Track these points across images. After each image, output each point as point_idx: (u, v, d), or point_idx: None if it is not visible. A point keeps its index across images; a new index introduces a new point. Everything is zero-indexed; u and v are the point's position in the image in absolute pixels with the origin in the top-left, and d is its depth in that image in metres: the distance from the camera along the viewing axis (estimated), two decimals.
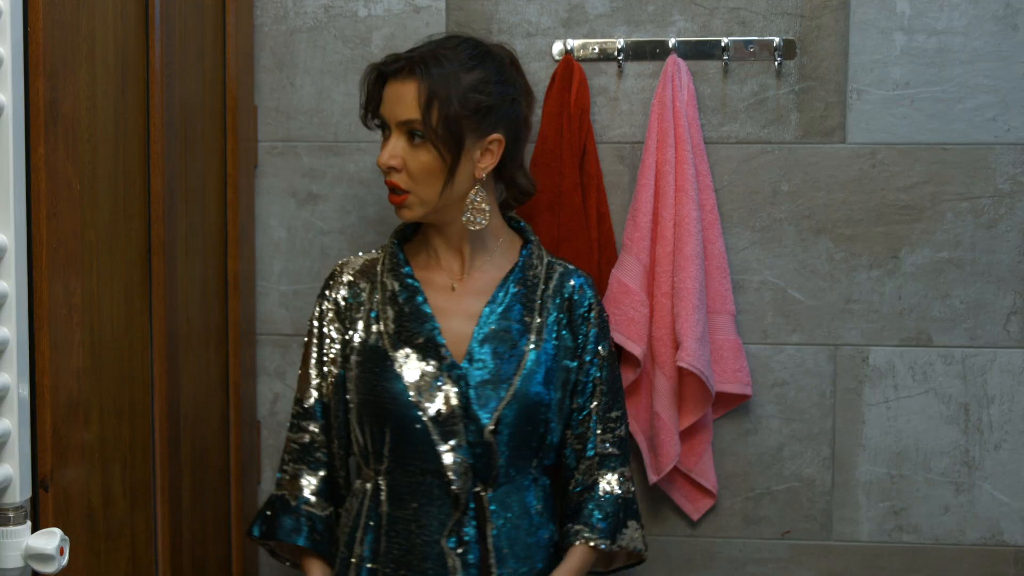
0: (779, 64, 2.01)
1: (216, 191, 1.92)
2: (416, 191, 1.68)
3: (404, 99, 1.65)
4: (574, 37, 2.04)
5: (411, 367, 1.68)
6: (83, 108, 1.36)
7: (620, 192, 2.05)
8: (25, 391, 1.21)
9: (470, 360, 1.69)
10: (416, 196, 1.68)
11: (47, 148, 1.25)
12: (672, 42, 2.01)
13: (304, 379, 1.79)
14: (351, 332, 1.75)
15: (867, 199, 2.03)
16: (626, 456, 1.81)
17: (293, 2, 2.08)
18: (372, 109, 1.72)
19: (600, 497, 1.76)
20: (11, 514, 1.20)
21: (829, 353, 2.06)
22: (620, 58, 2.03)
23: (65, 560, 1.22)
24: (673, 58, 1.99)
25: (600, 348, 1.78)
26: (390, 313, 1.72)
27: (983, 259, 2.03)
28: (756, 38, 2.02)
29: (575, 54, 2.03)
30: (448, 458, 1.66)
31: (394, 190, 1.69)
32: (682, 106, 1.97)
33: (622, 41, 2.03)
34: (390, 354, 1.70)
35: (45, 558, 1.19)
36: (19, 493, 1.20)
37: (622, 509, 1.77)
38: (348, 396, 1.74)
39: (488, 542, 1.68)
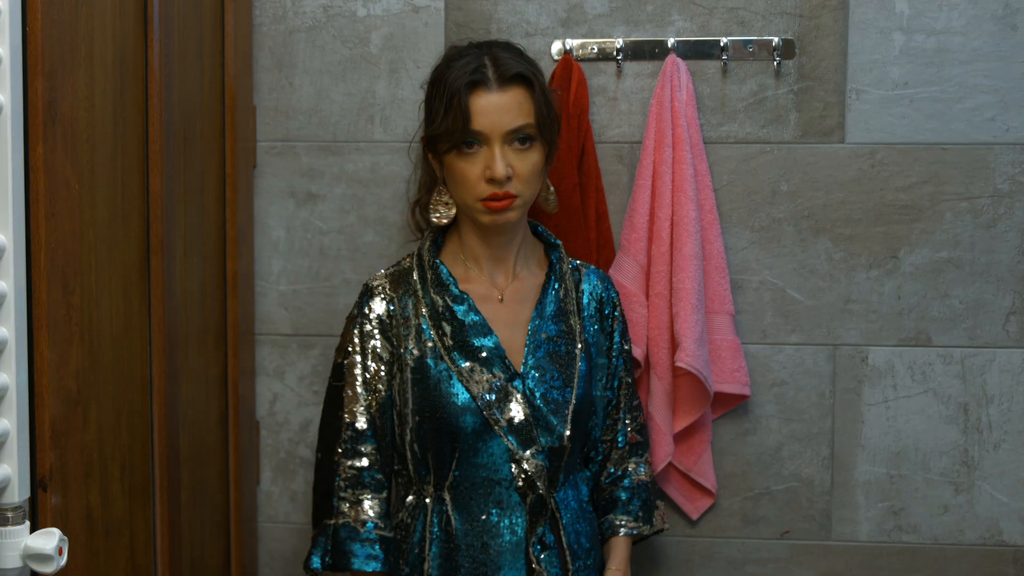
0: (778, 64, 2.01)
1: (215, 191, 1.91)
2: (523, 194, 1.68)
3: (510, 107, 1.65)
4: (573, 37, 2.04)
5: (477, 380, 1.68)
6: (82, 108, 1.36)
7: (619, 192, 2.05)
8: (24, 391, 1.20)
9: (527, 368, 1.71)
10: (522, 199, 1.69)
11: (46, 148, 1.25)
12: (671, 42, 2.01)
13: (353, 400, 1.72)
14: (401, 349, 1.72)
15: (866, 199, 2.03)
16: (648, 440, 1.90)
17: (292, 2, 2.08)
18: (465, 127, 1.64)
19: (634, 486, 1.84)
20: (10, 514, 1.20)
21: (828, 353, 2.06)
22: (619, 58, 2.03)
23: (64, 560, 1.22)
24: (672, 58, 1.99)
25: (624, 342, 1.85)
26: (447, 329, 1.71)
27: (982, 259, 2.03)
28: (755, 38, 2.02)
29: (574, 54, 2.03)
30: (528, 465, 1.67)
31: (503, 198, 1.66)
32: (681, 106, 1.97)
33: (621, 41, 2.03)
34: (453, 369, 1.69)
35: (44, 558, 1.19)
36: (18, 493, 1.20)
37: (651, 493, 1.87)
38: (405, 414, 1.71)
39: (563, 542, 1.71)
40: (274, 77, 2.09)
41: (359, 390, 1.72)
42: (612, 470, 1.85)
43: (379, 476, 1.73)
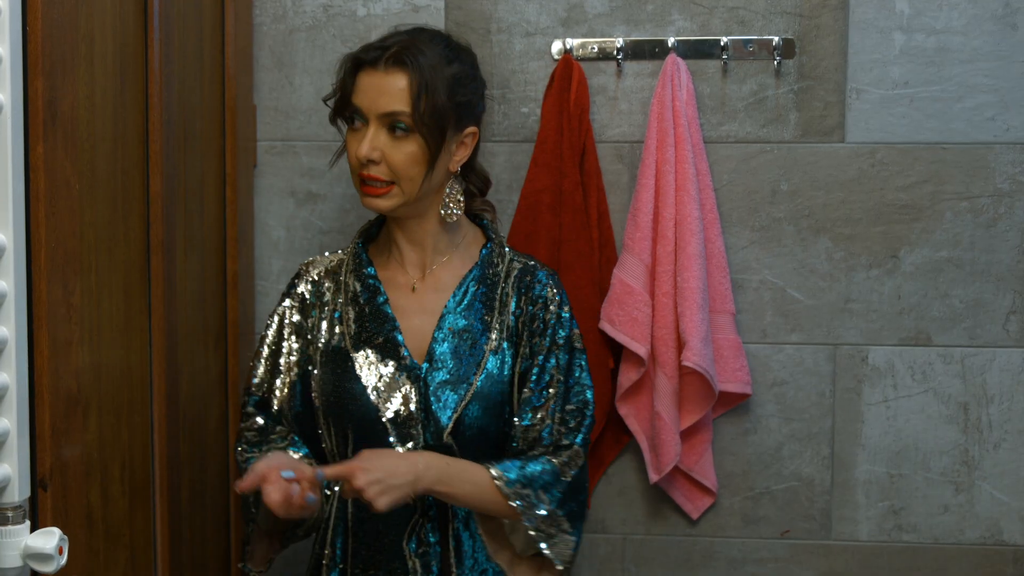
0: (778, 63, 2.01)
1: (215, 190, 1.91)
2: (401, 184, 1.64)
3: (388, 90, 1.62)
4: (573, 36, 2.04)
5: (371, 368, 1.67)
6: (82, 107, 1.36)
7: (619, 191, 2.05)
8: (24, 390, 1.20)
9: (430, 360, 1.67)
10: (400, 188, 1.64)
11: (46, 147, 1.25)
12: (671, 41, 2.01)
13: (253, 370, 1.75)
14: (315, 332, 1.73)
15: (866, 199, 2.03)
16: (579, 450, 1.69)
17: (292, 1, 2.08)
18: (345, 98, 1.66)
19: (530, 460, 1.66)
20: (10, 513, 1.20)
21: (828, 353, 2.06)
22: (619, 57, 2.03)
23: (64, 560, 1.22)
24: (672, 57, 1.99)
25: (557, 339, 1.70)
26: (351, 314, 1.71)
27: (982, 259, 2.03)
28: (755, 37, 2.02)
29: (574, 53, 2.03)
30: None
31: (373, 182, 1.64)
32: (681, 105, 1.97)
33: (621, 40, 2.03)
34: (351, 355, 1.68)
35: (44, 557, 1.19)
36: (18, 493, 1.20)
37: (550, 475, 1.65)
38: (314, 396, 1.72)
39: (450, 543, 1.67)
40: (274, 77, 2.09)
41: (262, 363, 1.75)
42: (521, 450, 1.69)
43: (279, 429, 1.73)
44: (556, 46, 2.04)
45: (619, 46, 2.02)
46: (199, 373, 1.84)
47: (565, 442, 1.68)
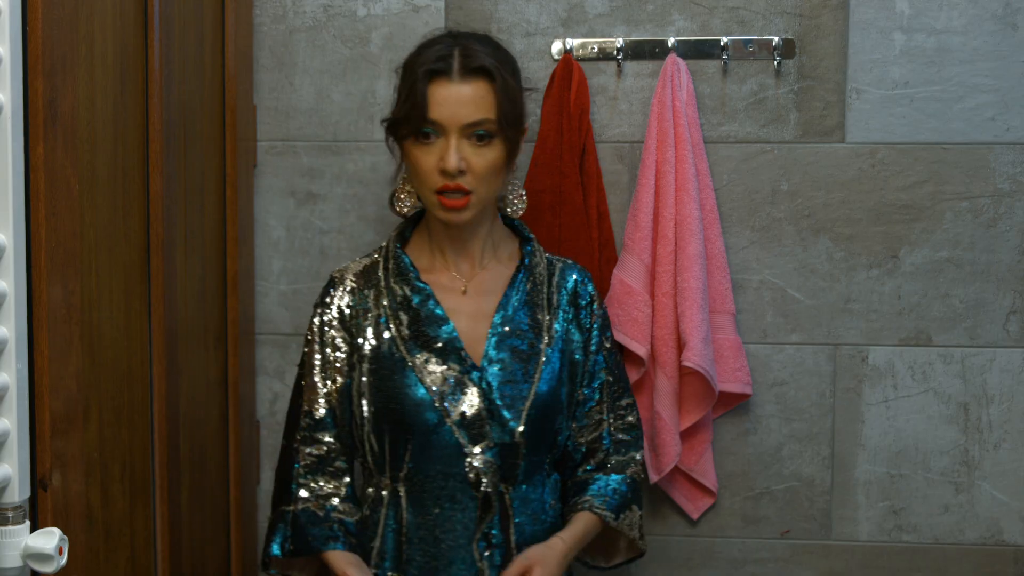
0: (778, 63, 2.01)
1: (215, 190, 1.91)
2: (479, 191, 1.64)
3: (470, 100, 1.61)
4: (573, 36, 2.04)
5: (431, 371, 1.66)
6: (82, 107, 1.36)
7: (619, 191, 2.05)
8: (24, 390, 1.20)
9: (488, 361, 1.68)
10: (477, 196, 1.64)
11: (46, 148, 1.25)
12: (671, 41, 2.01)
13: (311, 389, 1.72)
14: (360, 339, 1.71)
15: (866, 199, 2.03)
16: (638, 441, 1.81)
17: (292, 1, 2.08)
18: (421, 114, 1.62)
19: (610, 476, 1.76)
20: (10, 514, 1.20)
21: (829, 353, 2.06)
22: (619, 57, 2.03)
23: (64, 560, 1.22)
24: (672, 57, 1.99)
25: (604, 340, 1.78)
26: (403, 318, 1.70)
27: (982, 259, 2.03)
28: (755, 37, 2.02)
29: (574, 53, 2.03)
30: (477, 460, 1.65)
31: (455, 193, 1.62)
32: (681, 105, 1.97)
33: (621, 40, 2.03)
34: (408, 360, 1.67)
35: (44, 558, 1.19)
36: (18, 493, 1.20)
37: (631, 490, 1.77)
38: (362, 404, 1.70)
39: (511, 541, 1.68)
40: (274, 77, 2.09)
41: (316, 379, 1.72)
42: (591, 466, 1.78)
43: (339, 463, 1.73)
44: (556, 46, 2.04)
45: (619, 46, 2.02)
46: (199, 373, 1.84)
47: (625, 438, 1.79)
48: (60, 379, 1.30)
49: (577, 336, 1.76)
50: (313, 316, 1.75)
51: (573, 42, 2.03)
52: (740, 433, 2.09)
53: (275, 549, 1.70)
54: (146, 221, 1.59)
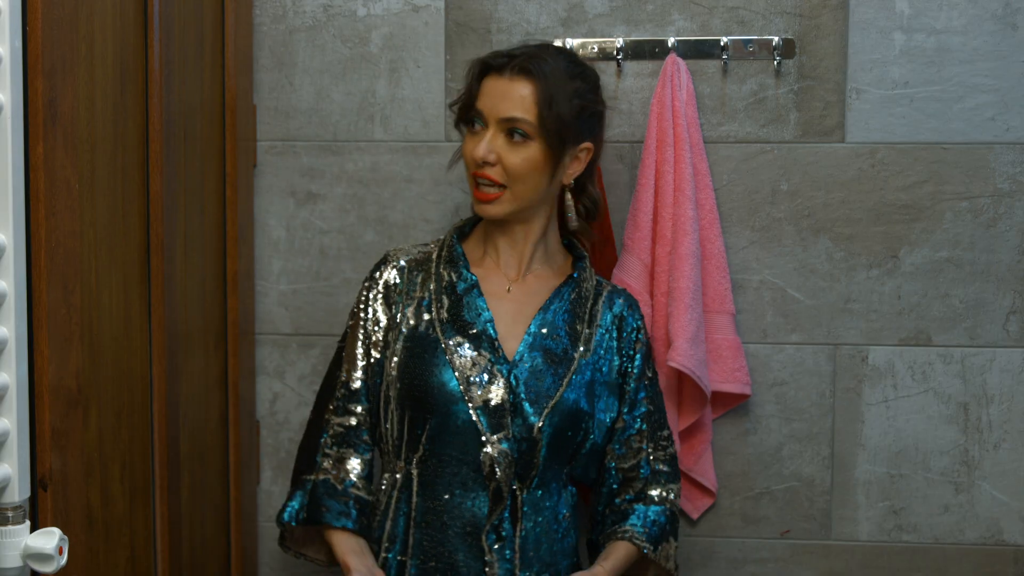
0: (778, 63, 2.01)
1: (215, 190, 1.91)
2: (513, 188, 1.69)
3: (512, 96, 1.67)
4: (573, 36, 2.04)
5: (463, 355, 1.69)
6: (82, 107, 1.36)
7: (619, 191, 2.05)
8: (24, 390, 1.20)
9: (520, 357, 1.70)
10: (511, 192, 1.69)
11: (46, 147, 1.25)
12: (671, 41, 2.01)
13: (351, 359, 1.76)
14: (399, 316, 1.74)
15: (866, 198, 2.03)
16: (676, 474, 1.84)
17: (292, 1, 2.08)
18: (469, 102, 1.72)
19: (650, 507, 1.78)
20: (10, 513, 1.20)
21: (828, 353, 2.06)
22: (619, 57, 2.03)
23: (64, 560, 1.22)
24: (672, 57, 1.99)
25: (647, 369, 1.81)
26: (445, 302, 1.73)
27: (982, 259, 2.03)
28: (755, 37, 2.02)
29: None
30: (493, 450, 1.66)
31: (486, 184, 1.69)
32: (681, 105, 1.97)
33: (621, 40, 2.03)
34: (441, 341, 1.70)
35: (44, 557, 1.19)
36: (18, 492, 1.20)
37: (669, 522, 1.80)
38: (390, 380, 1.72)
39: (516, 542, 1.68)
40: (274, 77, 2.09)
41: (358, 351, 1.76)
42: (630, 496, 1.79)
43: (366, 437, 1.76)
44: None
45: (619, 46, 2.02)
46: (199, 373, 1.84)
47: (666, 469, 1.81)
48: (60, 379, 1.30)
49: (616, 360, 1.78)
50: (361, 290, 1.79)
51: (573, 42, 2.03)
52: (740, 433, 2.09)
53: (287, 516, 1.74)
54: (146, 221, 1.59)
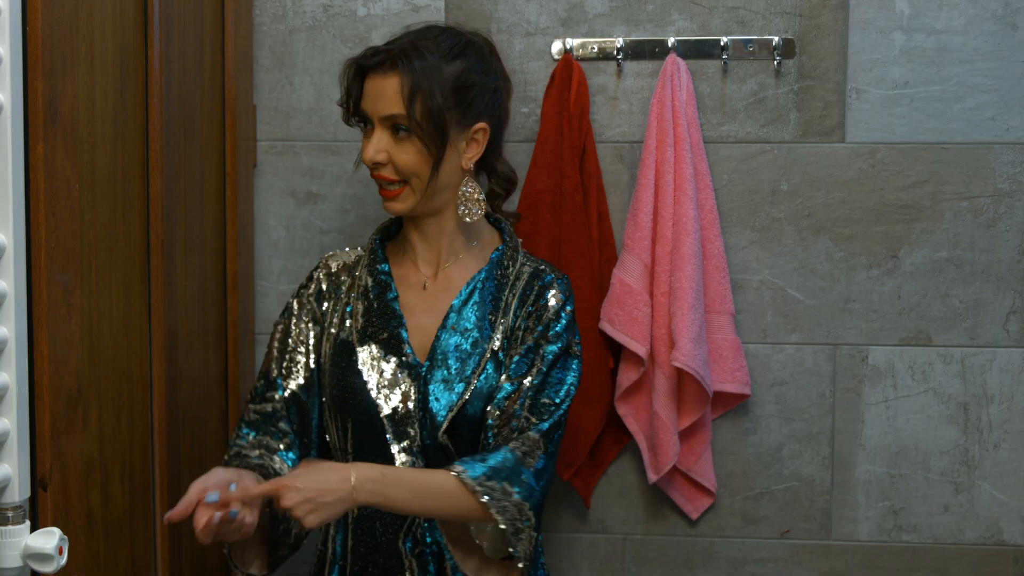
0: (778, 63, 2.01)
1: (215, 190, 1.91)
2: (413, 183, 1.66)
3: (386, 93, 1.64)
4: (573, 36, 2.04)
5: (373, 364, 1.67)
6: (82, 107, 1.36)
7: (619, 191, 2.05)
8: (24, 390, 1.21)
9: (432, 358, 1.66)
10: (410, 187, 1.67)
11: (46, 147, 1.25)
12: (671, 41, 2.01)
13: (269, 355, 1.73)
14: (327, 323, 1.73)
15: (866, 199, 2.03)
16: (540, 440, 1.61)
17: (292, 1, 2.08)
18: (353, 105, 1.70)
19: (491, 450, 1.60)
20: (10, 513, 1.20)
21: (828, 353, 2.06)
22: (619, 57, 2.03)
23: (64, 560, 1.22)
24: (672, 57, 1.99)
25: (550, 333, 1.66)
26: (360, 308, 1.71)
27: (982, 258, 2.03)
28: (755, 37, 2.02)
29: (574, 53, 2.03)
30: (401, 458, 1.64)
31: (387, 184, 1.68)
32: (681, 105, 1.97)
33: (621, 40, 2.02)
34: (356, 349, 1.68)
35: (44, 557, 1.19)
36: (18, 492, 1.20)
37: (508, 465, 1.57)
38: (323, 388, 1.71)
39: (440, 542, 1.66)
40: (274, 77, 2.09)
41: (275, 347, 1.73)
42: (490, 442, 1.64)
43: (282, 424, 1.68)
44: (556, 46, 2.04)
45: (619, 46, 2.02)
46: (199, 373, 1.84)
47: (531, 433, 1.61)
48: (60, 379, 1.30)
49: (522, 333, 1.67)
50: (293, 294, 1.78)
51: (573, 42, 2.03)
52: (740, 433, 2.09)
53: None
54: (146, 221, 1.59)
